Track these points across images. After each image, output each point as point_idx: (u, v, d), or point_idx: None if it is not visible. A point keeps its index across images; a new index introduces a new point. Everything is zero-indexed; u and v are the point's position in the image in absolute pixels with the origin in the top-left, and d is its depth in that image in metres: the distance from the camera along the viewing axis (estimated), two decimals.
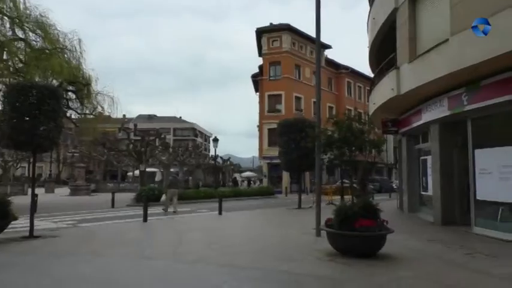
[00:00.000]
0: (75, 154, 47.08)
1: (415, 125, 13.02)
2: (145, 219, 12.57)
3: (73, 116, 22.88)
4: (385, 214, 7.39)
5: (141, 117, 78.16)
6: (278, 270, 6.11)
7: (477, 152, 9.57)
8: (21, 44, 18.54)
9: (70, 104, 20.88)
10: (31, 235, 9.21)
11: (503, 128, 9.24)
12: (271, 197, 28.30)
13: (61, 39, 19.23)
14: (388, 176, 46.25)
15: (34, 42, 18.67)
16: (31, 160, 12.32)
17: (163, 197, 17.39)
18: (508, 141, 8.60)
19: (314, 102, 22.43)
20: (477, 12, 7.83)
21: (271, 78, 39.38)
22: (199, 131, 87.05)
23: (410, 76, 11.26)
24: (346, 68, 45.85)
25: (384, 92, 13.31)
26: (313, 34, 10.63)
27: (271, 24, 40.03)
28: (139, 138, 31.90)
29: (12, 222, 9.21)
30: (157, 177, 38.98)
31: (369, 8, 16.73)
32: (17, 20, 17.57)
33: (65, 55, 19.51)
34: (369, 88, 25.64)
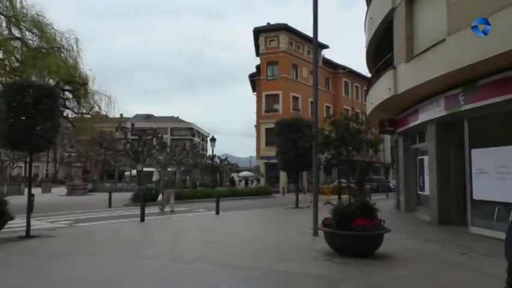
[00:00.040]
0: (72, 154, 46.81)
1: (412, 124, 13.07)
2: (142, 219, 12.54)
3: (70, 116, 22.83)
4: (382, 214, 7.43)
5: (138, 117, 77.93)
6: (275, 270, 6.11)
7: (474, 151, 9.61)
8: (17, 43, 18.47)
9: (67, 103, 20.82)
10: (27, 235, 9.18)
11: (499, 128, 9.29)
12: (268, 197, 28.30)
13: (58, 39, 19.19)
14: (385, 175, 46.36)
15: (31, 42, 18.62)
16: (28, 160, 12.26)
17: (160, 197, 17.37)
18: (505, 141, 8.64)
19: (311, 102, 22.47)
20: (474, 12, 7.85)
21: (268, 78, 39.36)
22: (197, 131, 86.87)
23: (407, 76, 11.29)
24: (344, 67, 45.88)
25: (381, 91, 13.34)
26: (310, 34, 10.63)
27: (268, 24, 39.96)
28: (136, 137, 31.81)
29: (8, 222, 9.21)
30: (155, 177, 38.85)
31: (366, 8, 16.77)
32: (14, 19, 17.50)
33: (62, 54, 19.46)
34: (366, 88, 25.68)
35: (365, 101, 22.32)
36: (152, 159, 35.86)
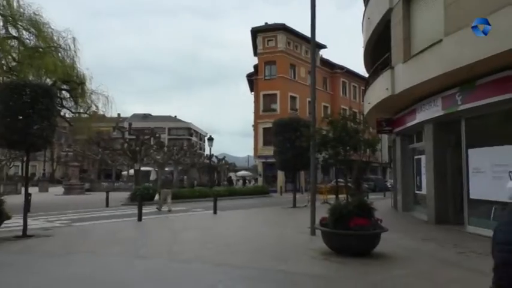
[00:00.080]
0: (69, 153, 46.71)
1: (409, 124, 13.10)
2: (140, 219, 12.52)
3: (67, 115, 22.71)
4: (379, 213, 7.44)
5: (135, 116, 77.74)
6: (273, 269, 6.11)
7: (470, 151, 9.65)
8: (14, 43, 18.41)
9: (64, 102, 20.74)
10: (24, 234, 9.15)
11: (496, 127, 9.33)
12: (266, 196, 28.29)
13: (55, 38, 19.13)
14: (382, 175, 46.37)
15: (28, 41, 18.56)
16: (25, 159, 12.23)
17: (157, 197, 17.36)
18: (501, 140, 8.68)
19: (309, 101, 22.48)
20: (471, 12, 7.88)
21: (266, 77, 39.38)
22: (195, 130, 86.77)
23: (404, 76, 11.32)
24: (341, 67, 45.96)
25: (379, 91, 13.37)
26: (308, 34, 10.66)
27: (266, 23, 39.98)
28: (134, 137, 31.74)
29: (5, 222, 9.17)
30: (152, 176, 38.79)
31: (364, 8, 16.79)
32: (11, 18, 17.44)
33: (59, 54, 19.40)
34: (363, 88, 25.71)
35: (363, 101, 22.37)
36: (150, 159, 35.77)
